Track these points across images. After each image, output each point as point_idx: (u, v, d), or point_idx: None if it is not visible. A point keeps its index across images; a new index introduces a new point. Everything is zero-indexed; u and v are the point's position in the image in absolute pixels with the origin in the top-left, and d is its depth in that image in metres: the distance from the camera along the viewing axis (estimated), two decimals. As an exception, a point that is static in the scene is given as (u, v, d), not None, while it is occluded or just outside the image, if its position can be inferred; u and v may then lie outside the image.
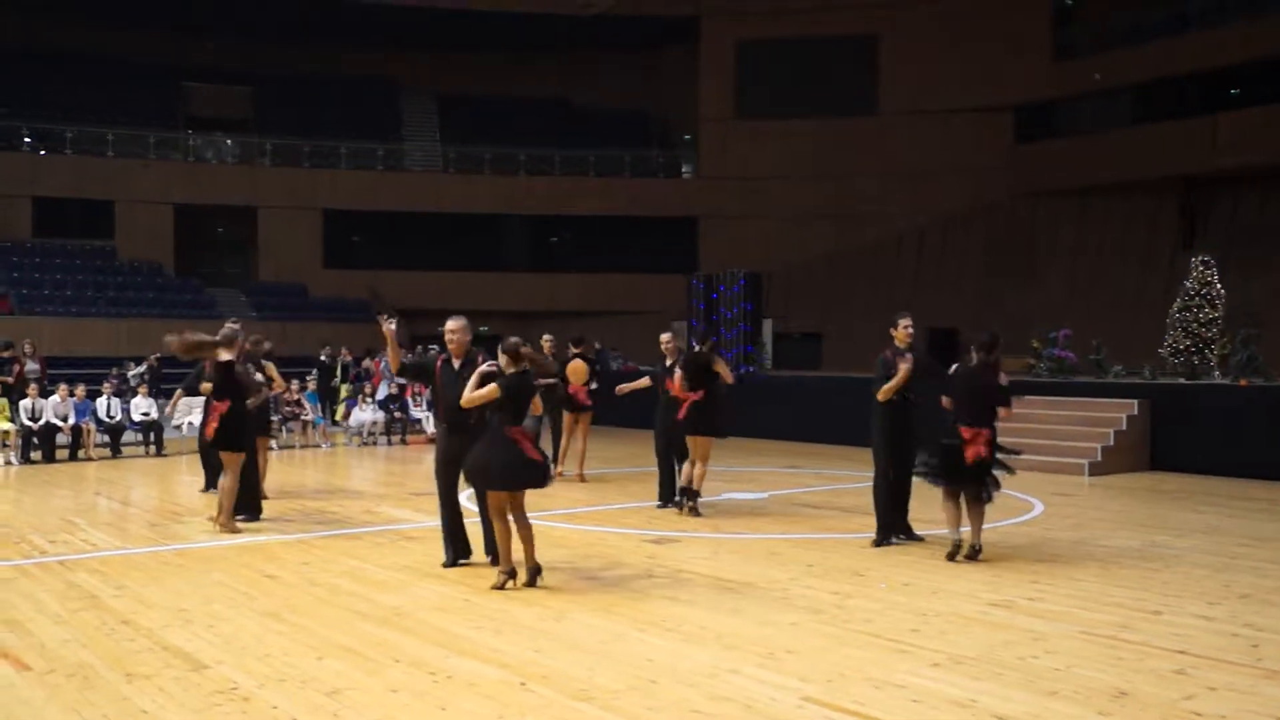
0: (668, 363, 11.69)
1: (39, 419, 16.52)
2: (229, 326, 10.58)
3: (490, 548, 8.24)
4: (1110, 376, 16.97)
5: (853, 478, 14.42)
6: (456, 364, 8.28)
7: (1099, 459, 14.79)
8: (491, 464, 7.62)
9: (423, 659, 6.01)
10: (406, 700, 5.35)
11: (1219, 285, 16.55)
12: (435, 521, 10.32)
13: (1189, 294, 16.55)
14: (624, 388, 12.90)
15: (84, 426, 16.94)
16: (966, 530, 8.69)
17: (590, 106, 37.01)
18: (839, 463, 16.27)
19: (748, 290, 24.45)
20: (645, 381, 12.57)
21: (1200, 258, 16.97)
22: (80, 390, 17.26)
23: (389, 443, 19.81)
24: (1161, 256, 28.53)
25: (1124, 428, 15.17)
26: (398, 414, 20.30)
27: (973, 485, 8.61)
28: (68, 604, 7.33)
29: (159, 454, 17.30)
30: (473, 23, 33.92)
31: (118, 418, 17.46)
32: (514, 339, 7.89)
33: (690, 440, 11.02)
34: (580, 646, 6.26)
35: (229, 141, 34.05)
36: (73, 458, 16.75)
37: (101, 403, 17.43)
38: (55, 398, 16.81)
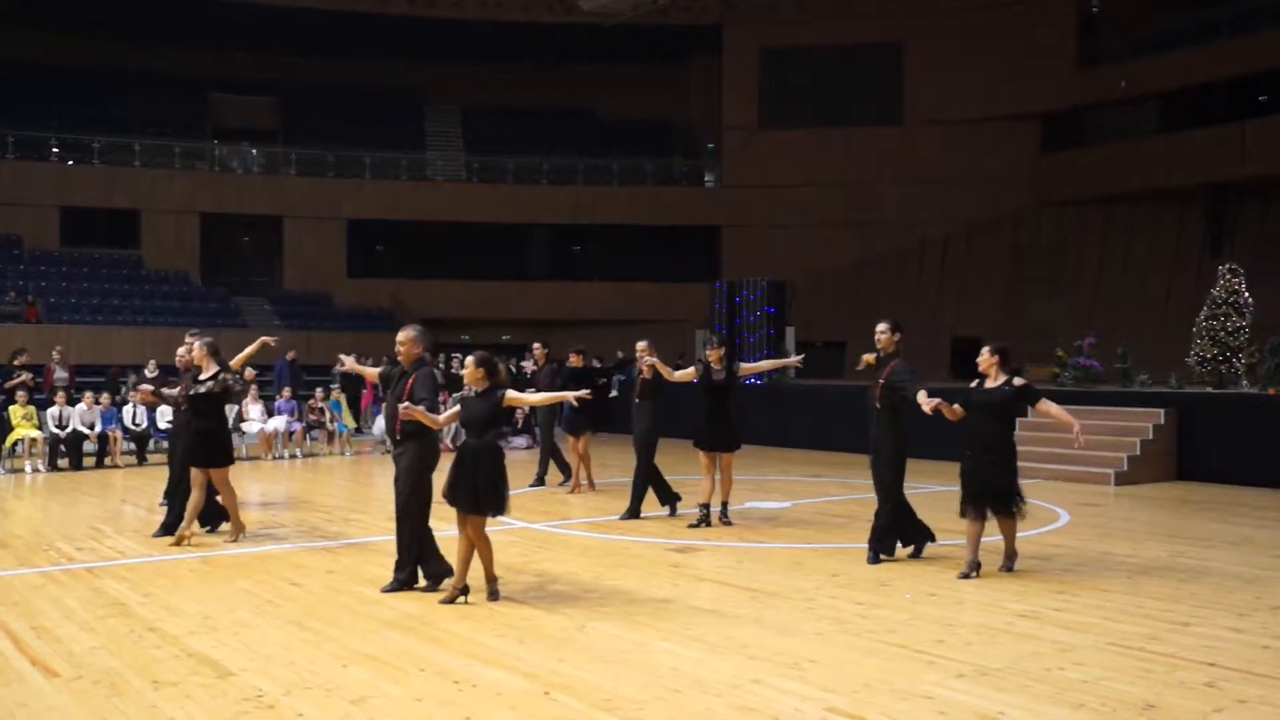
0: (642, 369, 11.56)
1: (66, 426, 16.64)
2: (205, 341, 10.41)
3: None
4: (1136, 385, 16.85)
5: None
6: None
7: (1125, 469, 14.68)
8: (455, 484, 7.47)
9: (447, 668, 6.02)
10: (431, 709, 5.35)
11: (1246, 293, 16.40)
12: (457, 530, 10.35)
13: (1216, 302, 16.41)
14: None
15: (110, 434, 17.06)
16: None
17: (613, 116, 37.10)
18: (863, 471, 16.14)
19: (770, 299, 24.43)
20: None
21: (1227, 266, 16.82)
22: (105, 398, 17.38)
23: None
24: (1189, 265, 28.33)
25: (1150, 437, 15.05)
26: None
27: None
28: (95, 611, 7.38)
29: (185, 462, 17.39)
30: (496, 33, 34.06)
31: (144, 425, 17.57)
32: (483, 352, 7.66)
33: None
34: (603, 656, 6.25)
35: (254, 152, 34.31)
36: (99, 465, 16.86)
37: (128, 410, 17.55)
38: (82, 405, 16.94)
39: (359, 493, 14.47)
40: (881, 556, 9.07)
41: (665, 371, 11.07)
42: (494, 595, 7.62)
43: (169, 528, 10.36)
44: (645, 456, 11.56)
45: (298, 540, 10.27)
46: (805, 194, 33.71)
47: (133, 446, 17.43)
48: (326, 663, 6.12)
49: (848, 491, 14.02)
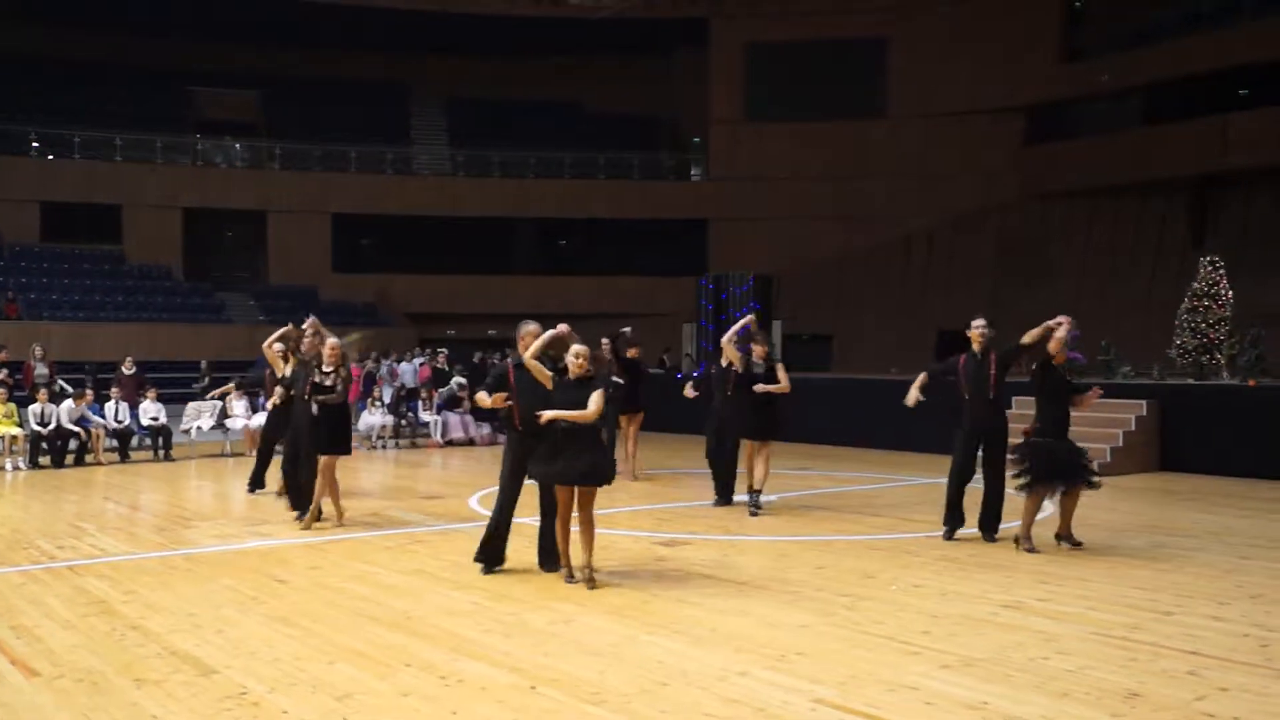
0: (723, 363, 11.70)
1: (48, 424, 16.48)
2: (319, 332, 10.80)
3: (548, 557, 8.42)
4: (1119, 377, 16.91)
5: (863, 479, 14.40)
6: None
7: (1108, 460, 14.71)
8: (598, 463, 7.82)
9: (433, 663, 6.00)
10: (417, 704, 5.34)
11: (1227, 285, 16.48)
12: (444, 525, 10.38)
13: (1197, 294, 16.49)
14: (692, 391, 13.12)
15: (94, 431, 16.92)
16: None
17: (600, 109, 37.04)
18: (848, 464, 16.23)
19: (757, 292, 24.44)
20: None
21: (1208, 258, 16.90)
22: (89, 394, 17.25)
23: (397, 446, 19.82)
24: (1172, 257, 28.45)
25: (1133, 428, 15.11)
26: (406, 417, 20.29)
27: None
28: (76, 609, 7.32)
29: (168, 459, 17.29)
30: (481, 26, 33.96)
31: (126, 422, 17.44)
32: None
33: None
34: (590, 650, 6.25)
35: (237, 146, 34.16)
36: (79, 463, 16.70)
37: (110, 407, 17.41)
38: (69, 403, 16.77)
39: (344, 487, 14.38)
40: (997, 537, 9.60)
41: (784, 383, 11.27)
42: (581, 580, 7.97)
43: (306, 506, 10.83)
44: (731, 447, 11.80)
45: (283, 536, 10.23)
46: (792, 187, 33.73)
47: (115, 444, 17.28)
48: (312, 659, 6.09)
49: (833, 484, 14.04)
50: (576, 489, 7.76)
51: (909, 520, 10.96)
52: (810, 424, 19.64)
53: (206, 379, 21.62)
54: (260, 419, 18.32)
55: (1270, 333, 16.29)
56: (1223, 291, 16.33)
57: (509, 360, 8.53)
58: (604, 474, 7.85)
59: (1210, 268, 16.58)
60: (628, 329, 15.34)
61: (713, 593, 7.69)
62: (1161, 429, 15.35)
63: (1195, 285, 16.65)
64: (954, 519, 9.65)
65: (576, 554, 8.00)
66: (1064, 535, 9.25)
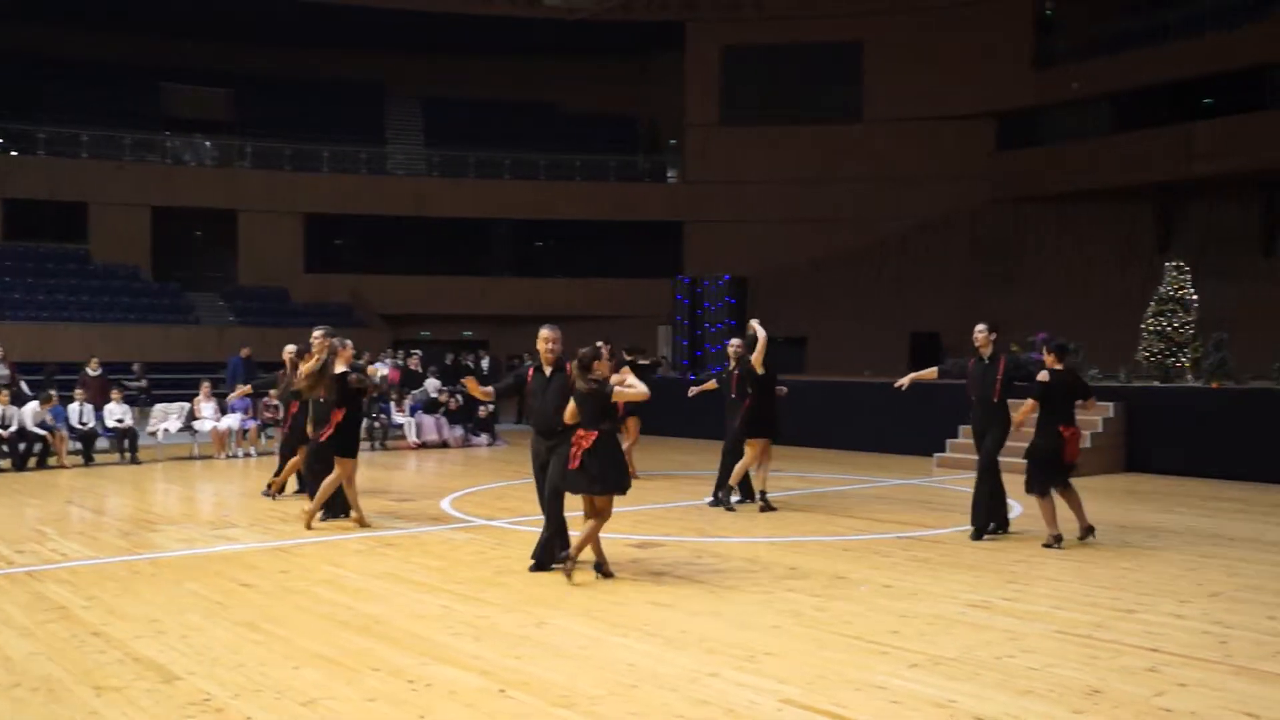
0: (730, 366, 12.03)
1: (9, 426, 16.20)
2: (333, 341, 10.70)
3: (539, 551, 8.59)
4: (1087, 380, 17.02)
5: (835, 481, 14.45)
6: (548, 371, 8.47)
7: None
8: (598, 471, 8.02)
9: (401, 667, 5.96)
10: (385, 709, 5.30)
11: (1192, 290, 16.65)
12: (415, 529, 10.37)
13: (1163, 299, 16.64)
14: (695, 390, 13.39)
15: (56, 433, 16.66)
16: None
17: (576, 111, 37.04)
18: (820, 466, 16.27)
19: (731, 294, 24.52)
20: (712, 384, 13.19)
21: (1174, 263, 17.07)
22: (53, 396, 17.03)
23: (371, 448, 19.69)
24: (1138, 262, 28.73)
25: (1100, 430, 15.23)
26: (379, 419, 20.18)
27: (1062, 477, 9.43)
28: (35, 615, 7.19)
29: (134, 462, 17.08)
30: (458, 26, 33.88)
31: (90, 424, 17.20)
32: (586, 350, 8.04)
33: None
34: (560, 652, 6.23)
35: (208, 144, 33.90)
36: (42, 465, 16.45)
37: (74, 409, 17.15)
38: (34, 405, 16.54)
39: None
40: (985, 536, 9.73)
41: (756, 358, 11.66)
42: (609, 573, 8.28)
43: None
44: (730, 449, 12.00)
45: (250, 540, 10.15)
46: (766, 190, 33.86)
47: (79, 446, 17.04)
48: (277, 664, 6.03)
49: (806, 486, 14.09)
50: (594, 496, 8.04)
51: (880, 521, 11.02)
52: (784, 426, 19.72)
53: (143, 380, 21.67)
54: (228, 421, 18.27)
55: (1233, 336, 16.46)
56: (1188, 296, 16.49)
57: (529, 364, 8.78)
58: (625, 482, 8.16)
59: (1176, 272, 16.74)
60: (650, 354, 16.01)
61: (685, 594, 7.69)
62: (1128, 431, 15.49)
63: (1161, 289, 16.80)
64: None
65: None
66: (1085, 528, 9.54)
